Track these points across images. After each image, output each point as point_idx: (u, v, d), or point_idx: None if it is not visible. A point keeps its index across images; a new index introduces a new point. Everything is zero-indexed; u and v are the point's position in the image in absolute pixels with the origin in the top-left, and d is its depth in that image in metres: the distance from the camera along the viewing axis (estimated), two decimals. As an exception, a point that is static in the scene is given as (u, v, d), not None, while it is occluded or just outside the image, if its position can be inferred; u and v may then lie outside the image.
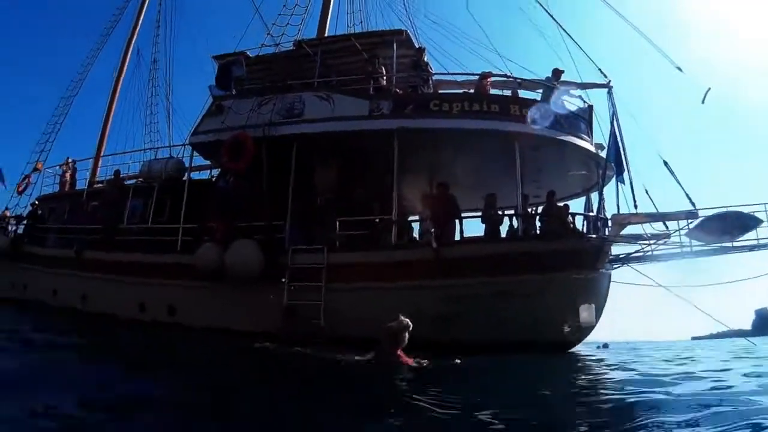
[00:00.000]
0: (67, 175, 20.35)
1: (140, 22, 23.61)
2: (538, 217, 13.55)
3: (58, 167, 20.76)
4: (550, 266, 11.10)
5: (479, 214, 13.82)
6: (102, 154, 21.43)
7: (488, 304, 10.88)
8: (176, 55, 31.74)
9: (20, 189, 21.13)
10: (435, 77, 14.72)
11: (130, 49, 23.25)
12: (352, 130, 12.69)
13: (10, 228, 21.26)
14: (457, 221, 13.04)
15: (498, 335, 10.47)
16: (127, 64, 23.20)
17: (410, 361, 7.49)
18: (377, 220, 12.77)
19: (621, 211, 12.24)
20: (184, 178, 15.56)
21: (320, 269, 11.82)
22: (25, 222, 19.17)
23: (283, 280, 11.93)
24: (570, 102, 13.57)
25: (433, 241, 12.03)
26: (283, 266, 12.09)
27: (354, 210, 12.86)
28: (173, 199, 15.31)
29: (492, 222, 13.11)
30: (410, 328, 7.63)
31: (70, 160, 20.75)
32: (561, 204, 14.68)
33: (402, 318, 7.66)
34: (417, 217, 13.94)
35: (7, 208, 22.62)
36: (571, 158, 13.45)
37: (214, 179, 15.61)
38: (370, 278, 11.55)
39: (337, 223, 12.46)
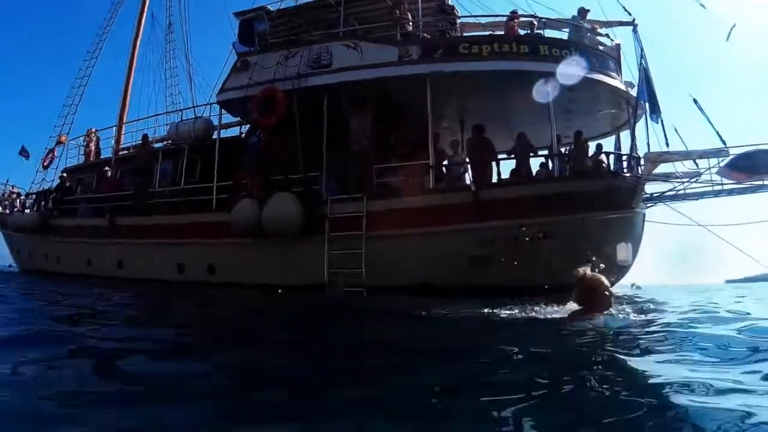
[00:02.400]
0: (92, 145, 20.31)
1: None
2: (567, 157, 13.42)
3: (81, 139, 20.76)
4: (586, 206, 10.98)
5: (510, 156, 13.83)
6: (124, 121, 21.28)
7: (525, 246, 10.78)
8: (191, 16, 31.42)
9: (45, 163, 21.09)
10: (460, 20, 14.43)
11: (144, 13, 22.92)
12: (384, 77, 12.47)
13: (15, 204, 21.44)
14: (493, 164, 12.93)
15: (534, 277, 10.27)
16: (142, 29, 22.89)
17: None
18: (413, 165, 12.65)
19: (652, 150, 12.30)
20: (213, 137, 15.46)
21: (360, 217, 11.73)
22: (53, 195, 19.14)
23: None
24: (597, 40, 13.42)
25: (471, 183, 12.13)
26: (322, 217, 12.03)
27: (389, 157, 12.72)
28: (204, 159, 15.30)
29: (524, 161, 13.08)
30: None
31: (93, 131, 20.68)
32: (593, 143, 14.59)
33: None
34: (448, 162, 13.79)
35: (12, 186, 22.76)
36: (601, 97, 13.25)
37: (244, 136, 15.49)
38: (410, 225, 11.46)
39: (374, 171, 12.33)
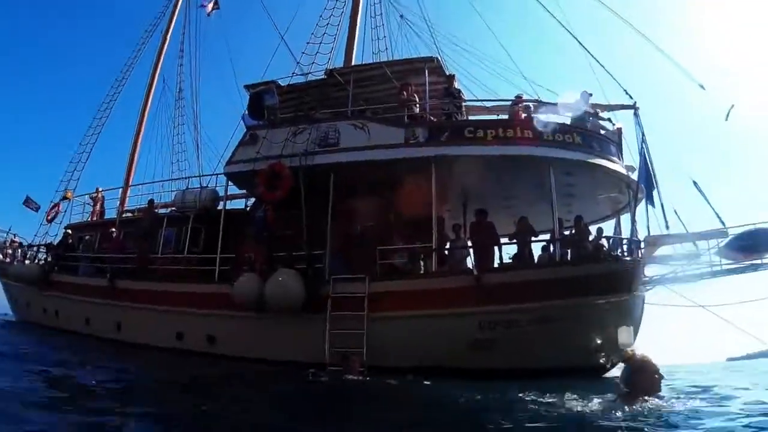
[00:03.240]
0: (98, 205, 20.49)
1: (164, 51, 23.80)
2: (568, 241, 13.55)
3: (87, 197, 20.94)
4: (588, 290, 11.18)
5: (512, 240, 13.97)
6: (130, 183, 21.51)
7: (527, 330, 10.97)
8: (202, 85, 31.99)
9: (49, 217, 21.28)
10: (465, 104, 14.84)
11: (156, 77, 23.46)
12: (390, 159, 12.75)
13: (16, 254, 21.48)
14: (495, 248, 13.14)
15: (535, 362, 10.62)
16: (152, 93, 23.36)
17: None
18: (418, 248, 12.81)
19: (652, 233, 12.44)
20: (218, 208, 15.62)
21: (362, 298, 11.83)
22: (55, 250, 19.24)
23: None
24: (600, 124, 13.70)
25: (473, 267, 12.26)
26: (324, 296, 12.11)
27: (392, 238, 12.92)
28: (207, 228, 15.47)
29: (525, 245, 13.22)
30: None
31: (100, 190, 20.90)
32: (594, 226, 14.80)
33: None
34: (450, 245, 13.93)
35: (14, 234, 22.86)
36: (602, 181, 13.50)
37: (249, 209, 15.67)
38: (412, 306, 11.59)
39: (377, 252, 12.48)
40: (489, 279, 11.61)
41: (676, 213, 12.37)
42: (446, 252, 13.36)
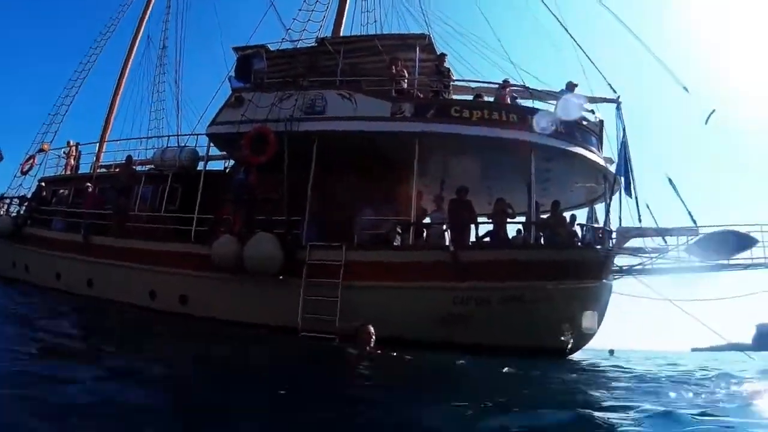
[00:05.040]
0: (72, 159, 20.17)
1: (151, 6, 23.36)
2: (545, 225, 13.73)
3: (62, 151, 20.57)
4: (559, 274, 11.43)
5: (489, 219, 14.15)
6: (107, 139, 21.18)
7: (497, 309, 11.22)
8: (186, 45, 31.56)
9: (24, 169, 20.84)
10: (453, 83, 14.88)
11: (140, 34, 23.01)
12: (375, 131, 12.81)
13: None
14: (472, 226, 13.29)
15: (502, 339, 10.78)
16: (135, 48, 22.99)
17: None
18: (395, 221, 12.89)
19: (624, 224, 12.72)
20: (197, 168, 15.54)
21: (338, 266, 11.89)
22: (28, 203, 18.92)
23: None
24: (583, 115, 13.81)
25: (450, 243, 12.44)
26: (300, 261, 12.15)
27: (370, 208, 12.96)
28: (185, 188, 15.36)
29: (501, 226, 13.42)
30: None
31: (72, 144, 20.54)
32: (567, 213, 15.03)
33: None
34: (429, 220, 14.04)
35: None
36: (580, 170, 13.73)
37: (228, 171, 15.59)
38: (387, 278, 11.72)
39: (355, 221, 12.57)
40: (465, 256, 11.78)
41: (648, 207, 12.56)
42: (424, 226, 13.46)
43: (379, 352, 8.69)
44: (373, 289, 11.68)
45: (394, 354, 8.60)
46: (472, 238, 13.21)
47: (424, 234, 13.25)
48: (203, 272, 13.04)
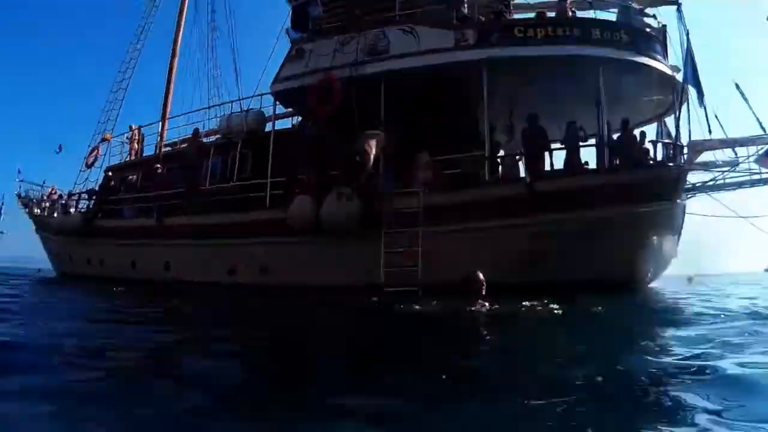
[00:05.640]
0: (135, 143, 19.77)
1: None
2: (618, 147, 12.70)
3: (124, 136, 20.19)
4: (636, 198, 10.80)
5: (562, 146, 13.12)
6: (168, 116, 20.59)
7: (577, 240, 10.37)
8: (235, 5, 31.03)
9: (89, 162, 20.48)
10: (513, 1, 14.33)
11: (185, 5, 22.20)
12: (440, 63, 12.04)
13: (56, 206, 20.96)
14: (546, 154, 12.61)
15: (581, 273, 9.95)
16: (183, 21, 22.10)
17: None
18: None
19: (693, 137, 11.99)
20: (265, 130, 14.88)
21: (416, 212, 11.11)
22: (96, 195, 18.60)
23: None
24: (645, 22, 13.12)
25: (526, 175, 11.83)
26: (378, 213, 11.39)
27: (444, 148, 12.05)
28: (255, 153, 14.69)
29: (575, 151, 12.49)
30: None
31: (134, 128, 20.12)
32: (637, 131, 13.87)
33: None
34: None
35: (52, 187, 22.32)
36: (648, 83, 12.65)
37: (297, 127, 14.86)
38: (466, 219, 10.96)
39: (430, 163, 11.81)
40: (541, 187, 11.00)
41: (717, 117, 11.90)
42: (497, 160, 12.70)
43: (489, 305, 7.33)
44: (453, 233, 10.92)
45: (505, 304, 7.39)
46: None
47: (499, 168, 12.54)
48: (282, 238, 12.41)
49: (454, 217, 10.99)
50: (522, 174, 12.30)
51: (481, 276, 7.55)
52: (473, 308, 7.04)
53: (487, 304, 7.18)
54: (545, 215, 10.60)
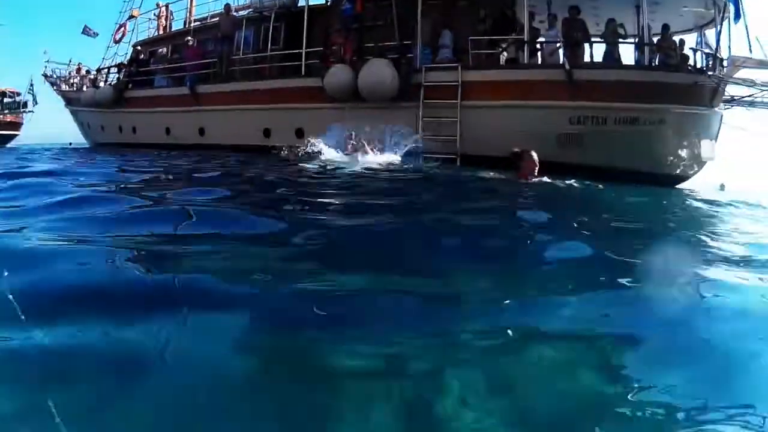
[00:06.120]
0: (163, 19, 20.27)
1: None
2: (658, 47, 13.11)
3: (152, 13, 20.68)
4: (673, 98, 11.11)
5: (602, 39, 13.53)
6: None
7: (612, 129, 10.99)
8: None
9: (117, 38, 21.05)
10: None
11: None
12: None
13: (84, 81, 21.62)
14: (586, 45, 12.93)
15: (615, 162, 10.63)
16: None
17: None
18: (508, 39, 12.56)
19: (732, 54, 12.14)
20: (297, 5, 15.39)
21: (455, 86, 11.77)
22: (127, 67, 19.30)
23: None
24: None
25: (565, 62, 12.00)
26: (416, 85, 12.09)
27: (479, 30, 12.61)
28: (288, 26, 15.17)
29: (614, 47, 12.80)
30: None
31: (162, 5, 20.55)
32: (676, 38, 14.35)
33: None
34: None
35: (79, 63, 22.96)
36: None
37: (330, 3, 15.33)
38: (503, 97, 11.56)
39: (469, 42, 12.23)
40: (581, 74, 11.41)
41: (757, 40, 12.04)
42: (537, 45, 13.04)
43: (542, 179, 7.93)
44: (489, 109, 11.59)
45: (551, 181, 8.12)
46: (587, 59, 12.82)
47: (539, 54, 12.86)
48: (317, 104, 13.16)
49: (494, 93, 11.61)
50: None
51: (535, 156, 7.96)
52: (528, 181, 7.79)
53: (544, 178, 7.93)
54: (585, 102, 11.13)
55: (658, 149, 11.25)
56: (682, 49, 13.36)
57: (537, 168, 7.91)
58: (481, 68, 12.11)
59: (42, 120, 35.94)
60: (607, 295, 2.84)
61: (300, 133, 13.44)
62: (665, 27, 13.16)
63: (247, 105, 14.49)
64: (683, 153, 11.74)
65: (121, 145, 18.38)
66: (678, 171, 12.02)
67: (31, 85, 24.82)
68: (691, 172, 12.50)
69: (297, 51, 14.07)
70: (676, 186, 12.21)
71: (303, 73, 13.85)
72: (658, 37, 13.51)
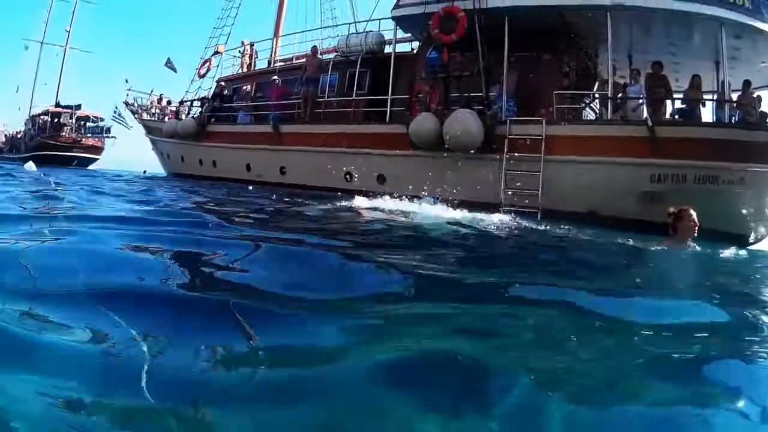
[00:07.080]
0: (247, 57, 21.09)
1: None
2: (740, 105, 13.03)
3: (237, 50, 21.54)
4: (754, 157, 11.03)
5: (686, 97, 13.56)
6: (280, 34, 21.83)
7: (691, 188, 10.90)
8: None
9: (201, 72, 22.00)
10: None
11: None
12: (564, 5, 12.35)
13: (165, 111, 22.56)
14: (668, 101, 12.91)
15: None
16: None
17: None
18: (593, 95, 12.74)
19: None
20: (383, 52, 15.81)
21: (539, 140, 11.94)
22: (210, 102, 20.11)
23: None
24: None
25: (647, 118, 12.06)
26: (500, 137, 12.31)
27: (562, 85, 12.87)
28: (374, 72, 15.62)
29: (697, 103, 12.83)
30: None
31: (247, 43, 21.41)
32: (754, 94, 14.25)
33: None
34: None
35: (161, 94, 24.00)
36: (766, 49, 12.84)
37: (418, 51, 15.58)
38: (586, 152, 11.67)
39: (553, 96, 12.42)
40: (662, 131, 11.45)
41: None
42: (619, 101, 13.11)
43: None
44: (572, 164, 11.70)
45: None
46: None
47: (620, 110, 12.93)
48: (401, 151, 13.49)
49: (577, 148, 11.72)
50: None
51: (695, 215, 6.86)
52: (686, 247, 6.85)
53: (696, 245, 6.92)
54: (666, 160, 11.14)
55: (736, 208, 11.14)
56: (760, 106, 13.23)
57: (696, 229, 6.87)
58: (565, 122, 12.28)
59: (117, 145, 37.51)
60: None
61: (381, 179, 13.82)
62: (746, 83, 13.01)
63: (330, 147, 14.92)
64: (762, 213, 11.61)
65: (199, 177, 19.10)
66: (749, 231, 11.81)
67: (116, 110, 25.83)
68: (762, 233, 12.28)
69: (383, 97, 14.50)
70: (750, 246, 11.90)
71: (388, 119, 14.22)
72: (739, 94, 13.49)
